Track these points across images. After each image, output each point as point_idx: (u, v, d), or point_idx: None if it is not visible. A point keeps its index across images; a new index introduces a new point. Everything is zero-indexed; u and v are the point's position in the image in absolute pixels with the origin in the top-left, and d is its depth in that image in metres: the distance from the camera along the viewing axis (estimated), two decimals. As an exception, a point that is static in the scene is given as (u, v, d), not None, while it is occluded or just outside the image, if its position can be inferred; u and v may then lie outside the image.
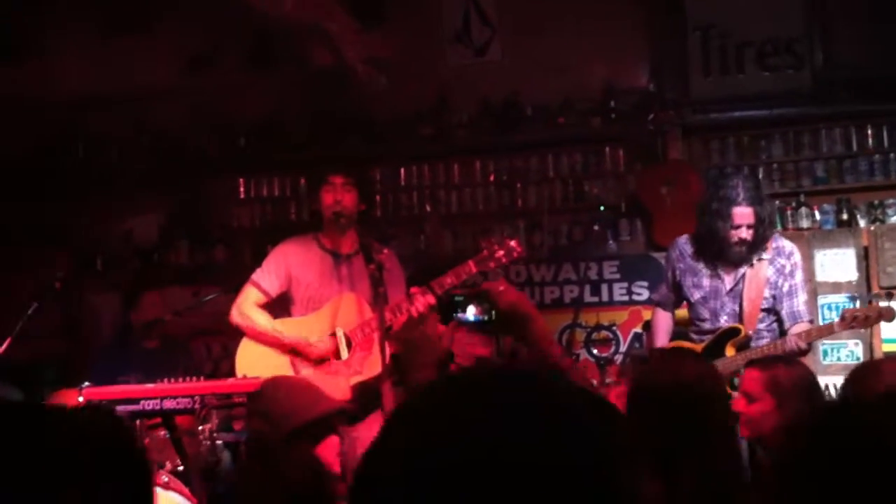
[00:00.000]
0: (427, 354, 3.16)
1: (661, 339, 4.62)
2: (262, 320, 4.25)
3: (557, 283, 6.25)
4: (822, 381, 5.67)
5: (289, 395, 3.01)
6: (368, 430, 4.00)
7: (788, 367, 3.11)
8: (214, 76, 6.72)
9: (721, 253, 4.36)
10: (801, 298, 4.38)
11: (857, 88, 6.04)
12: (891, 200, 6.10)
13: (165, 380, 3.82)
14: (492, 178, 6.56)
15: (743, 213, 4.23)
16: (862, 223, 6.07)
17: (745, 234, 4.25)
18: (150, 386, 3.80)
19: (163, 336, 5.73)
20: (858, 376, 2.97)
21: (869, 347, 5.78)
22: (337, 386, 3.88)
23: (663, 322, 4.65)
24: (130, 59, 6.67)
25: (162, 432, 4.05)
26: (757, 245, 4.31)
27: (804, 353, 4.23)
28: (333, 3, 6.20)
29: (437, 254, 6.22)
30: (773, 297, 4.36)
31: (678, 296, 4.59)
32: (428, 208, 6.58)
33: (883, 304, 4.26)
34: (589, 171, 6.50)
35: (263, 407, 3.01)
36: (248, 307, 4.27)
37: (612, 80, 6.45)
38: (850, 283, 5.82)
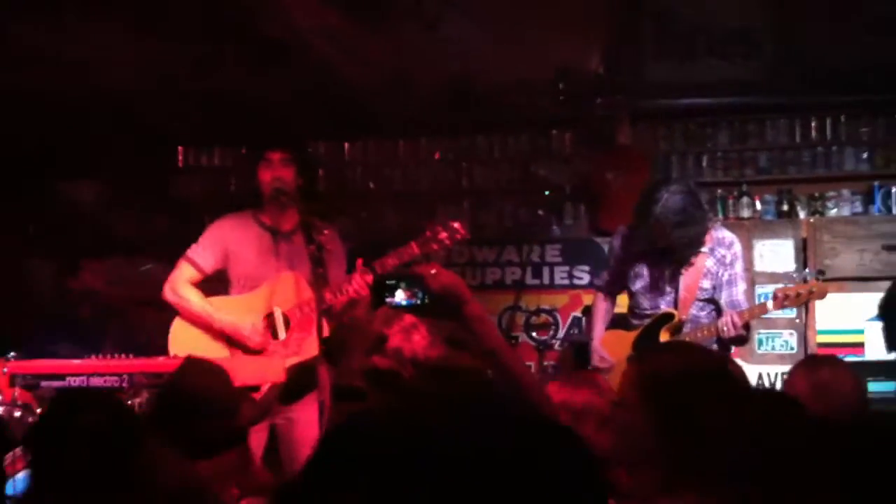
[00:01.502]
0: (358, 339, 3.11)
1: (599, 325, 4.67)
2: (196, 299, 4.17)
3: (499, 265, 6.24)
4: (756, 370, 5.82)
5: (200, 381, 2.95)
6: (304, 412, 3.96)
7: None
8: (163, 41, 6.54)
9: (650, 259, 4.44)
10: (741, 288, 4.43)
11: (807, 81, 6.08)
12: (831, 193, 6.18)
13: (94, 356, 3.75)
14: (437, 156, 6.51)
15: (657, 230, 4.26)
16: (802, 215, 6.15)
17: (663, 245, 4.31)
18: (77, 362, 3.73)
19: (97, 306, 5.61)
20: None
21: (804, 338, 5.88)
22: (271, 367, 3.83)
23: (603, 307, 4.70)
24: (81, 14, 6.45)
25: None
26: (676, 259, 4.35)
27: (742, 336, 4.30)
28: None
29: (380, 231, 6.17)
30: (713, 287, 4.41)
31: (619, 283, 4.63)
32: (372, 185, 6.52)
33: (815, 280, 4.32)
34: (536, 152, 6.48)
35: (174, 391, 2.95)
36: (181, 285, 4.19)
37: (563, 63, 6.41)
38: (787, 273, 5.90)
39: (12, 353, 3.94)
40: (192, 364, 3.10)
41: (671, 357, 2.29)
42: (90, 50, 6.34)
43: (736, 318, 4.21)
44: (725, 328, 4.22)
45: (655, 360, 2.27)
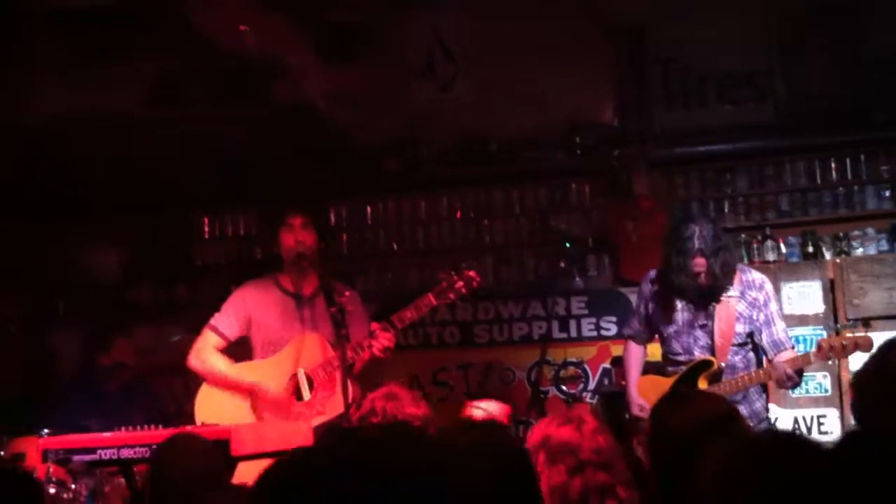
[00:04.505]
0: None
1: (633, 372, 4.60)
2: (221, 365, 4.19)
3: (526, 320, 6.21)
4: (792, 414, 5.72)
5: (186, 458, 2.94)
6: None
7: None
8: (183, 108, 6.67)
9: (687, 300, 4.38)
10: (780, 326, 4.38)
11: (820, 120, 6.08)
12: (856, 232, 6.13)
13: (123, 428, 3.76)
14: (458, 213, 6.54)
15: (698, 263, 4.24)
16: (827, 255, 6.10)
17: (703, 280, 4.27)
18: (107, 435, 3.73)
19: (126, 379, 5.63)
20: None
21: (837, 380, 5.78)
22: (297, 430, 3.81)
23: (635, 356, 4.64)
24: (99, 88, 6.59)
25: (121, 479, 3.97)
26: (712, 292, 4.31)
27: (796, 382, 4.24)
28: (295, 39, 6.17)
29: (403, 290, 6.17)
30: (749, 332, 4.37)
31: (650, 329, 4.59)
32: (394, 245, 6.54)
33: (859, 334, 4.26)
34: (555, 205, 6.50)
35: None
36: (206, 352, 4.22)
37: (576, 115, 6.46)
38: (816, 315, 5.83)
39: (46, 430, 3.96)
40: (175, 441, 3.09)
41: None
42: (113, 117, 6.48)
43: (790, 371, 4.16)
44: (782, 382, 4.20)
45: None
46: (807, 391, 5.81)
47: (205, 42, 5.92)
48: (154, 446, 3.60)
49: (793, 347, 4.41)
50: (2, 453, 4.06)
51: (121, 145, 6.75)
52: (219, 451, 3.12)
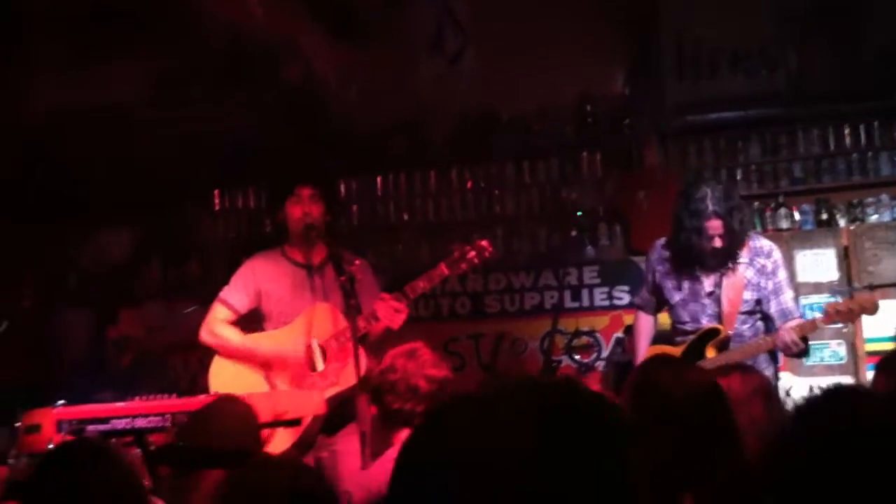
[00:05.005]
0: None
1: (642, 343, 4.59)
2: (234, 336, 4.18)
3: (537, 289, 6.19)
4: (806, 382, 5.69)
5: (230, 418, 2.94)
6: (347, 443, 3.93)
7: (744, 376, 3.07)
8: (188, 92, 6.65)
9: (699, 263, 4.34)
10: (789, 295, 4.35)
11: (832, 89, 6.03)
12: (870, 199, 6.08)
13: (137, 398, 3.76)
14: (469, 186, 6.52)
15: (713, 226, 4.20)
16: (841, 223, 6.06)
17: (718, 243, 4.23)
18: (121, 405, 3.73)
19: (137, 353, 5.65)
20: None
21: (852, 347, 5.75)
22: (311, 400, 3.81)
23: (644, 326, 4.63)
24: (103, 78, 6.59)
25: (136, 450, 3.98)
26: (729, 253, 4.28)
27: (801, 348, 4.20)
28: (305, 17, 6.15)
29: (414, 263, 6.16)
30: (757, 299, 4.33)
31: (659, 299, 4.57)
32: (405, 217, 6.53)
33: (865, 295, 4.23)
34: (566, 177, 6.46)
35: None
36: (217, 325, 4.21)
37: (586, 87, 6.42)
38: (831, 283, 5.79)
39: (61, 402, 3.97)
40: (218, 404, 3.09)
41: None
42: (123, 98, 6.48)
43: (794, 337, 4.12)
44: (786, 348, 4.16)
45: None
46: (821, 359, 5.79)
47: (207, 30, 5.89)
48: (168, 415, 3.62)
49: (801, 317, 4.38)
50: (17, 424, 4.07)
51: (121, 142, 6.76)
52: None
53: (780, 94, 6.16)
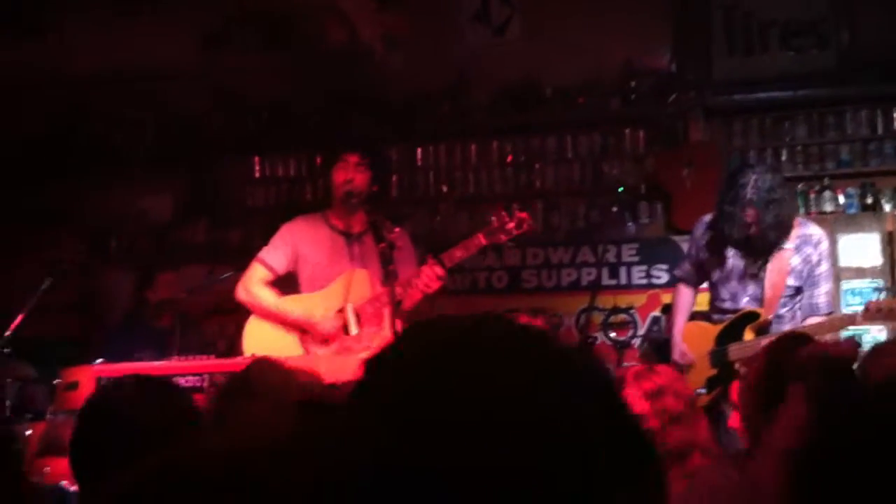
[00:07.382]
0: None
1: (680, 317, 4.54)
2: (269, 297, 4.20)
3: (575, 266, 6.16)
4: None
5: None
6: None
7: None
8: (230, 55, 6.67)
9: (736, 247, 4.29)
10: (823, 289, 4.28)
11: (883, 70, 5.90)
12: (917, 185, 5.97)
13: (175, 357, 3.81)
14: (509, 159, 6.48)
15: (749, 214, 4.13)
16: (887, 208, 5.94)
17: (754, 230, 4.16)
18: (159, 363, 3.80)
19: (176, 315, 5.71)
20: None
21: (894, 333, 5.66)
22: (345, 364, 3.82)
23: (685, 300, 4.57)
24: (145, 37, 6.62)
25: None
26: (765, 242, 4.21)
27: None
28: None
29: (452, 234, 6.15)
30: (799, 287, 4.28)
31: (700, 274, 4.52)
32: (444, 189, 6.51)
33: None
34: (608, 152, 6.40)
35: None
36: (253, 284, 4.23)
37: (632, 61, 6.34)
38: (874, 268, 5.71)
39: (100, 360, 4.03)
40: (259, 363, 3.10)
41: None
42: (167, 56, 6.51)
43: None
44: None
45: None
46: (859, 346, 5.70)
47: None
48: (206, 375, 3.66)
49: (828, 314, 4.31)
50: (56, 381, 4.14)
51: (164, 100, 6.80)
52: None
53: (830, 74, 6.04)
